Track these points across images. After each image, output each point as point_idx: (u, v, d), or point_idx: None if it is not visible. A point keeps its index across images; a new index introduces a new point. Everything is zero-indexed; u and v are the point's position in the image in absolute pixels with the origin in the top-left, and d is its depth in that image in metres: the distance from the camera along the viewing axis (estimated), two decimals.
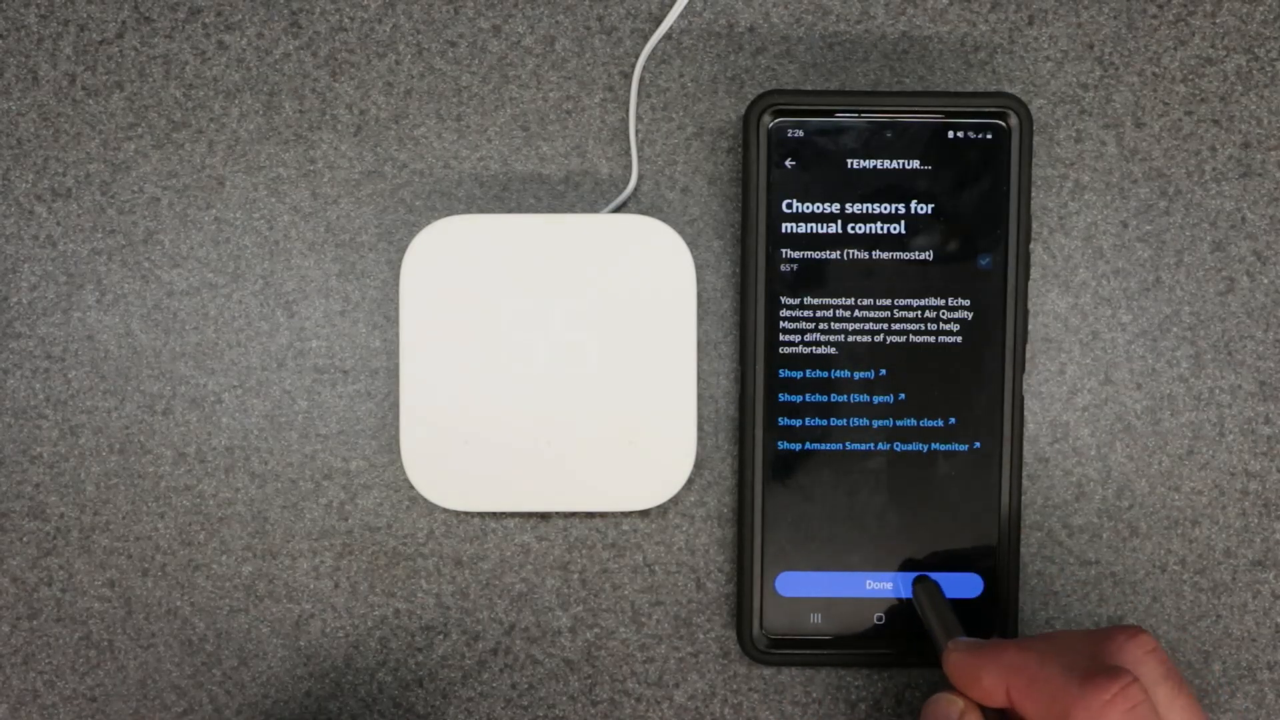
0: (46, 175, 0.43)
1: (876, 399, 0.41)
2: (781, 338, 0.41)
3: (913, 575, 0.41)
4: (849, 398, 0.41)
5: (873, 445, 0.41)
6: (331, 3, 0.43)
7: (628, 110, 0.43)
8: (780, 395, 0.41)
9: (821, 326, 0.41)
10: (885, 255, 0.41)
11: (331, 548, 0.43)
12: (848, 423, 0.41)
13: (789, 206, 0.41)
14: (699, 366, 0.43)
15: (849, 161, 0.41)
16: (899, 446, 0.41)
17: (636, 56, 0.43)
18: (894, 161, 0.41)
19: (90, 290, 0.43)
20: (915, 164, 0.41)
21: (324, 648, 0.43)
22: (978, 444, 0.41)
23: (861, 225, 0.41)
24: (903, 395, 0.41)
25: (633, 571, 0.43)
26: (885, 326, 0.41)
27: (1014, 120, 0.40)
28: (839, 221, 0.41)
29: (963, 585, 0.41)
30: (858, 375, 0.41)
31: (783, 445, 0.41)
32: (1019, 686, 0.35)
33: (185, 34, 0.43)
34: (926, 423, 0.41)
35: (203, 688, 0.43)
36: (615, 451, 0.41)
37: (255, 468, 0.43)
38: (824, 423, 0.41)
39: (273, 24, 0.43)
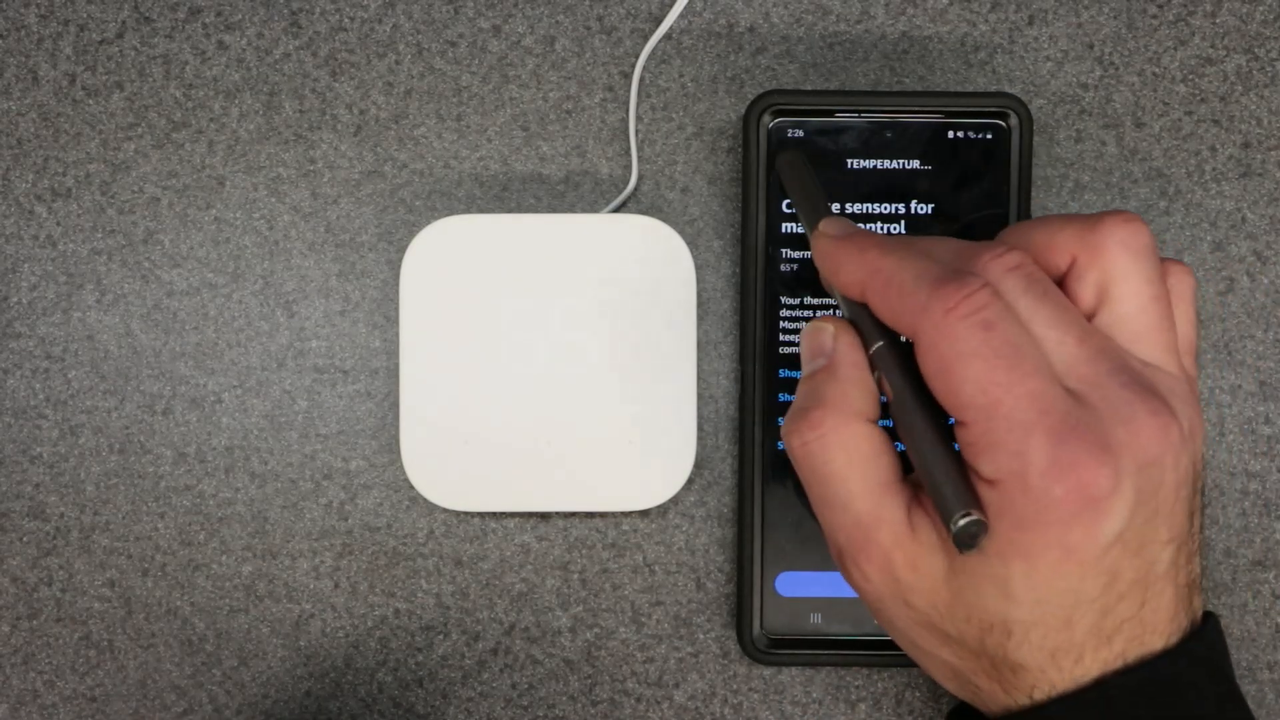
0: (46, 175, 0.43)
1: None
2: (781, 338, 0.41)
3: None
4: None
5: None
6: (331, 3, 0.43)
7: (628, 110, 0.43)
8: (780, 395, 0.41)
9: None
10: None
11: (331, 548, 0.43)
12: None
13: (789, 206, 0.41)
14: (699, 366, 0.43)
15: (849, 161, 0.41)
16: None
17: (636, 56, 0.43)
18: (894, 161, 0.41)
19: (90, 290, 0.43)
20: (915, 164, 0.41)
21: (324, 648, 0.43)
22: None
23: (862, 225, 0.41)
24: None
25: (633, 571, 0.43)
26: None
27: (1014, 120, 0.40)
28: None
29: None
30: None
31: (783, 445, 0.41)
32: (875, 288, 0.32)
33: (185, 34, 0.43)
34: None
35: (203, 688, 0.43)
36: (615, 451, 0.41)
37: (255, 468, 0.43)
38: None
39: (273, 24, 0.43)
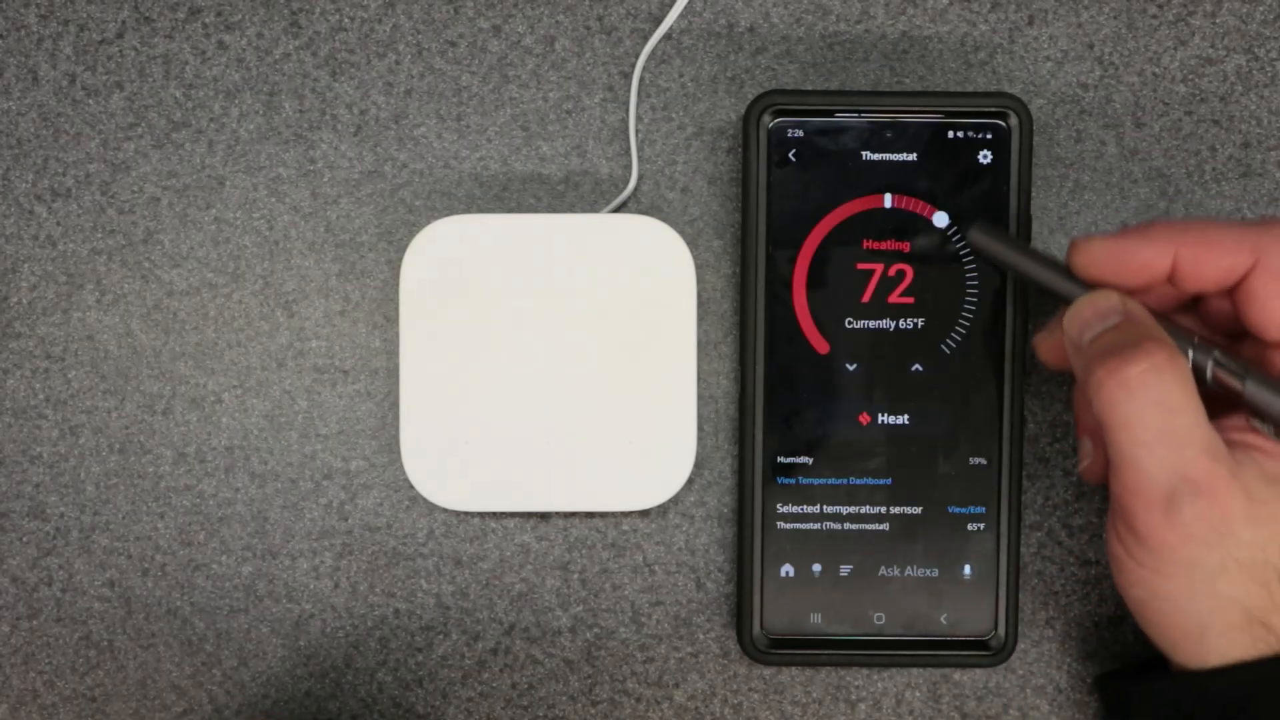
0: (46, 175, 0.43)
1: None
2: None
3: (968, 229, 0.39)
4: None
5: (873, 444, 0.41)
6: (331, 3, 0.43)
7: (628, 110, 0.43)
8: (780, 395, 0.41)
9: None
10: None
11: (331, 548, 0.43)
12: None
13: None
14: (699, 366, 0.43)
15: (849, 161, 0.41)
16: (899, 445, 0.41)
17: (636, 56, 0.43)
18: (894, 161, 0.41)
19: (90, 290, 0.43)
20: (915, 164, 0.41)
21: (324, 648, 0.43)
22: (978, 444, 0.41)
23: (861, 224, 0.41)
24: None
25: (633, 571, 0.43)
26: None
27: (1014, 120, 0.40)
28: None
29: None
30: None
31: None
32: (1191, 242, 0.34)
33: (185, 34, 0.43)
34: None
35: (203, 688, 0.43)
36: (615, 451, 0.41)
37: (255, 468, 0.43)
38: None
39: (273, 24, 0.43)
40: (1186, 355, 0.34)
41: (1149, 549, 0.33)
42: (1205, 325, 0.37)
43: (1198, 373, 0.34)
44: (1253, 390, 0.34)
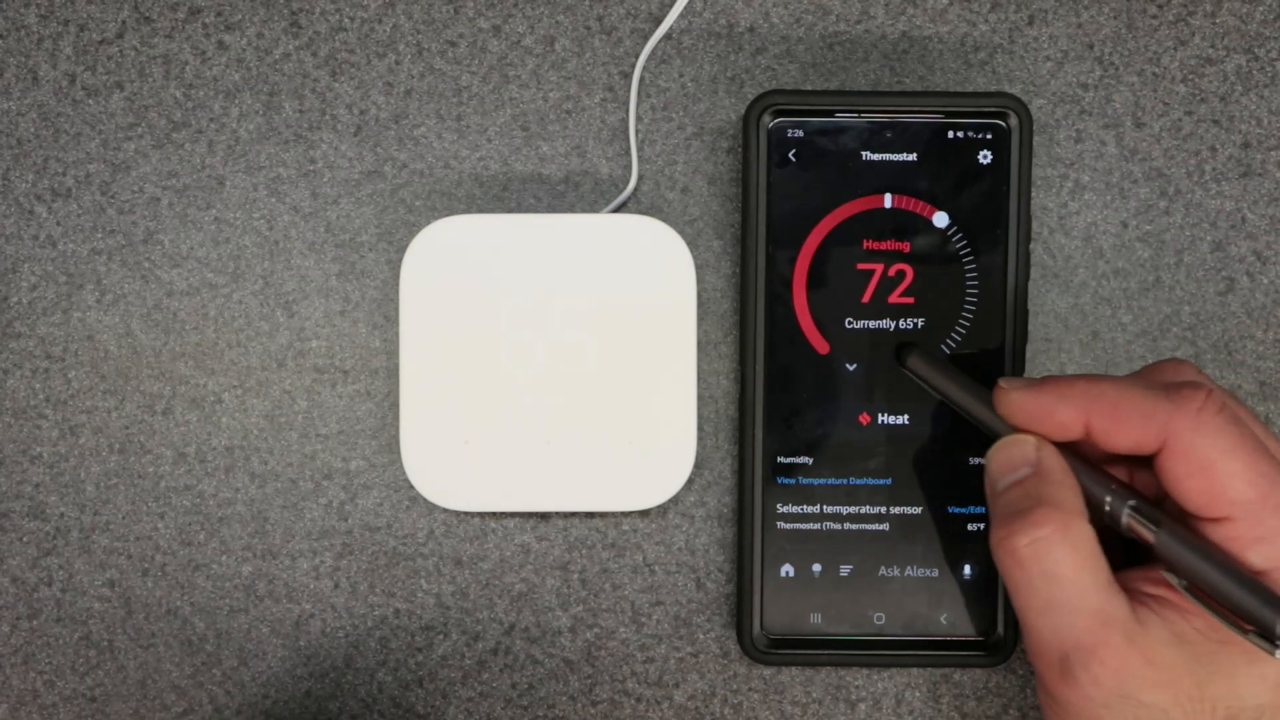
0: (46, 175, 0.43)
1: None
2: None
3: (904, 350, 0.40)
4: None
5: (873, 444, 0.41)
6: (331, 3, 0.43)
7: (628, 110, 0.43)
8: (780, 395, 0.41)
9: None
10: None
11: (331, 548, 0.43)
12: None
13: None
14: (699, 366, 0.43)
15: (849, 161, 0.41)
16: (899, 445, 0.41)
17: (636, 56, 0.43)
18: (894, 161, 0.41)
19: (90, 290, 0.43)
20: (915, 164, 0.41)
21: (324, 648, 0.43)
22: (978, 444, 0.41)
23: (862, 225, 0.41)
24: None
25: (633, 571, 0.43)
26: None
27: (1014, 120, 0.40)
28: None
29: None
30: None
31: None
32: (1102, 413, 0.34)
33: (185, 34, 0.43)
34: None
35: (203, 688, 0.43)
36: (615, 451, 0.41)
37: (255, 468, 0.43)
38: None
39: (273, 24, 0.43)
40: (1103, 502, 0.34)
41: (1059, 705, 0.34)
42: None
43: (1114, 519, 0.34)
44: (1163, 543, 0.34)
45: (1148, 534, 0.34)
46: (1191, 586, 0.33)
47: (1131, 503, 0.34)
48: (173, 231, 0.43)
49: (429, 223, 0.42)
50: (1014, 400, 0.35)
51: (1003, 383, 0.36)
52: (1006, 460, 0.35)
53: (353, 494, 0.43)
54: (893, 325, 0.41)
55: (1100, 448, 0.35)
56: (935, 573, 0.41)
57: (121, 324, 0.43)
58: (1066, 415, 0.34)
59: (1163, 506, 0.35)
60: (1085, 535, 0.33)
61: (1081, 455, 0.35)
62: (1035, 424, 0.35)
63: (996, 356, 0.41)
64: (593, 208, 0.43)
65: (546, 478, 0.41)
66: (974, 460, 0.41)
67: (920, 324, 0.41)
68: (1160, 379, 0.35)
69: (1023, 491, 0.34)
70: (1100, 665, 0.32)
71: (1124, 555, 0.36)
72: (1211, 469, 0.33)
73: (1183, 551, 0.33)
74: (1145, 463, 0.35)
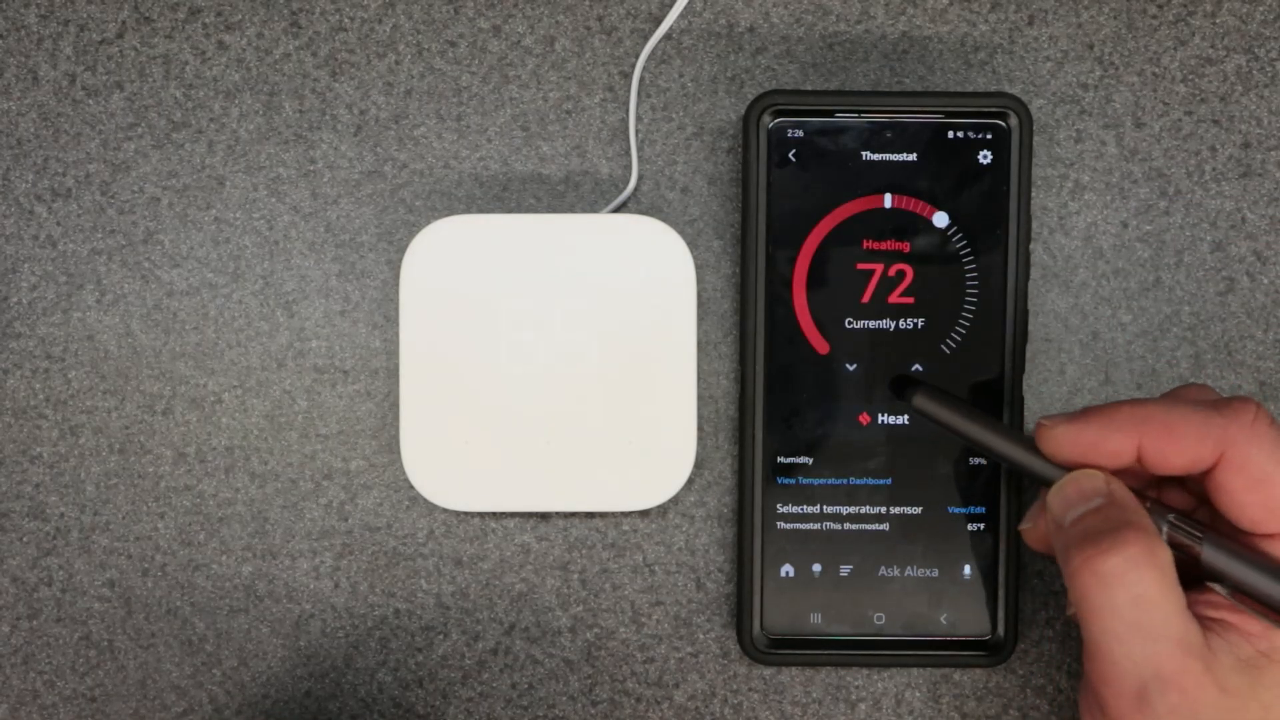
0: (46, 175, 0.43)
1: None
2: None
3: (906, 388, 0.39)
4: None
5: (873, 444, 0.41)
6: (331, 3, 0.43)
7: (628, 110, 0.43)
8: (780, 395, 0.41)
9: None
10: None
11: (331, 548, 0.43)
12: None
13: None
14: (699, 366, 0.43)
15: (849, 162, 0.41)
16: (899, 445, 0.41)
17: (636, 56, 0.43)
18: (894, 161, 0.41)
19: (90, 290, 0.43)
20: (915, 164, 0.41)
21: (324, 648, 0.43)
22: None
23: (862, 225, 0.41)
24: None
25: (633, 571, 0.43)
26: None
27: (1014, 120, 0.40)
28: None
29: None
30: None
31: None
32: (1155, 435, 0.33)
33: (185, 34, 0.43)
34: None
35: (203, 688, 0.43)
36: (615, 451, 0.41)
37: (255, 468, 0.43)
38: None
39: (273, 24, 0.43)
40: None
41: None
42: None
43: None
44: (1210, 551, 0.34)
45: (1192, 544, 0.34)
46: (1238, 594, 0.33)
47: (1171, 515, 0.34)
48: (173, 231, 0.43)
49: (429, 223, 0.42)
50: (1061, 436, 0.35)
51: (1044, 421, 0.35)
52: (1078, 492, 0.35)
53: (353, 494, 0.43)
54: (893, 325, 0.41)
55: (1149, 471, 0.34)
56: (935, 573, 0.41)
57: (121, 324, 0.43)
58: (1118, 443, 0.34)
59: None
60: (1168, 559, 0.33)
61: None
62: (1084, 457, 0.35)
63: (997, 356, 0.41)
64: (593, 208, 0.43)
65: (546, 478, 0.41)
66: (974, 460, 0.41)
67: (920, 324, 0.41)
68: (1189, 398, 0.35)
69: (1102, 518, 0.33)
70: (1179, 694, 0.32)
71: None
72: (1270, 481, 0.33)
73: (1230, 558, 0.33)
74: (1175, 487, 0.35)
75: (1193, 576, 0.34)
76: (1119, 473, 0.35)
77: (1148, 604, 0.32)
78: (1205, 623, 0.34)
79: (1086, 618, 0.33)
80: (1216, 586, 0.34)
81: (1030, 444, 0.36)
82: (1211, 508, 0.35)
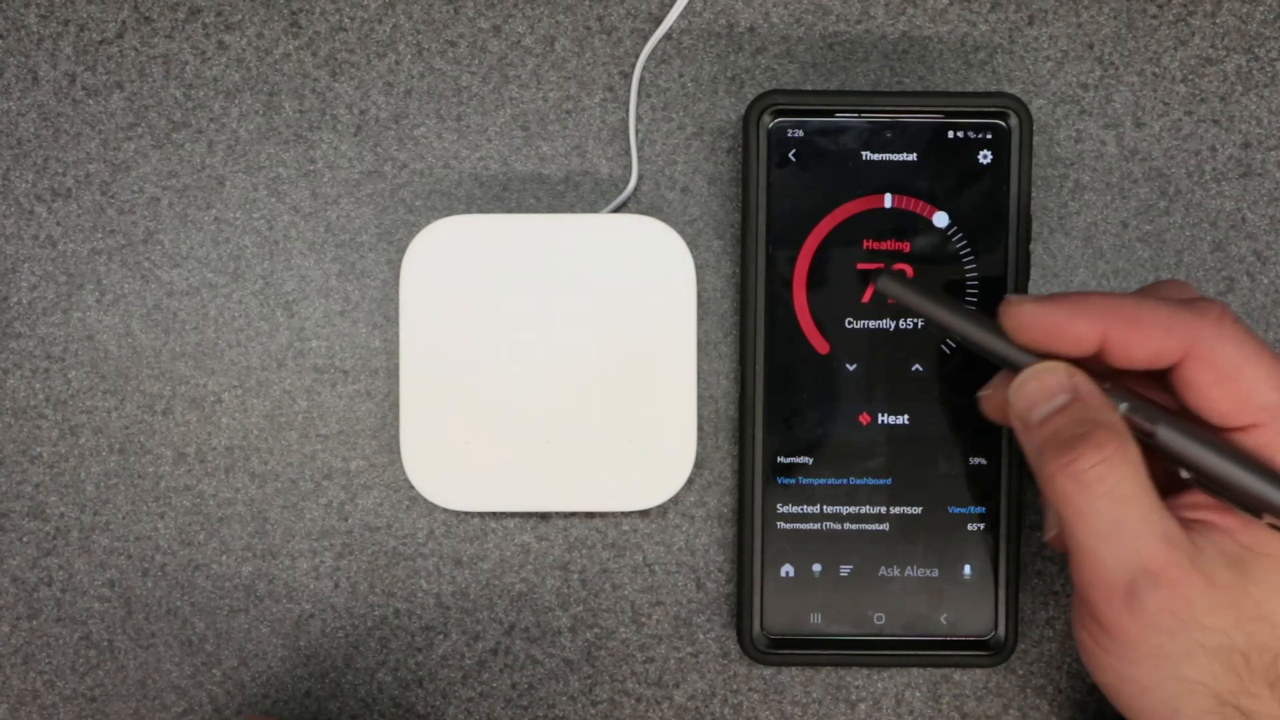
0: (46, 175, 0.43)
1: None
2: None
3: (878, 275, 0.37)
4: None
5: (873, 444, 0.41)
6: (331, 3, 0.43)
7: (628, 110, 0.43)
8: (780, 395, 0.41)
9: None
10: None
11: (331, 548, 0.43)
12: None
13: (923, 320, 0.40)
14: (699, 366, 0.43)
15: (849, 161, 0.41)
16: (899, 445, 0.41)
17: (636, 56, 0.43)
18: (894, 161, 0.41)
19: (90, 290, 0.43)
20: (915, 164, 0.41)
21: (324, 648, 0.43)
22: (978, 444, 0.41)
23: (862, 225, 0.41)
24: None
25: (633, 571, 0.43)
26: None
27: (1014, 120, 0.40)
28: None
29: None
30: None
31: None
32: (1121, 325, 0.33)
33: (185, 34, 0.43)
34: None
35: (203, 688, 0.43)
36: (615, 451, 0.41)
37: (255, 468, 0.43)
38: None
39: (273, 24, 0.43)
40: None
41: (1113, 638, 0.33)
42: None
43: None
44: (1166, 434, 0.33)
45: (1149, 425, 0.33)
46: (1201, 477, 0.33)
47: (1125, 404, 0.34)
48: (173, 231, 0.43)
49: (429, 223, 0.42)
50: (1025, 314, 0.34)
51: (1011, 298, 0.35)
52: (1041, 389, 0.34)
53: (353, 494, 0.43)
54: (893, 325, 0.41)
55: (1112, 363, 0.34)
56: (935, 573, 0.41)
57: (121, 324, 0.43)
58: (1082, 328, 0.33)
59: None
60: (1140, 457, 0.33)
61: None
62: (1047, 340, 0.34)
63: None
64: (593, 208, 0.43)
65: (546, 478, 0.41)
66: (974, 460, 0.41)
67: (920, 324, 0.41)
68: (1161, 294, 0.35)
69: (1069, 417, 0.33)
70: (1169, 589, 0.32)
71: None
72: (1237, 375, 0.32)
73: (1187, 437, 0.33)
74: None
75: (1170, 482, 0.34)
76: (1080, 365, 0.34)
77: (1128, 499, 0.32)
78: (1186, 524, 0.33)
79: (1069, 522, 0.33)
80: (1182, 472, 0.33)
81: (993, 325, 0.35)
82: (1177, 404, 0.35)
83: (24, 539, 0.43)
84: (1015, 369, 0.35)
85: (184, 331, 0.43)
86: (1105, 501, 0.32)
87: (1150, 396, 0.35)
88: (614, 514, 0.43)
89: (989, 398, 0.37)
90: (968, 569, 0.41)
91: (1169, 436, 0.33)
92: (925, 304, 0.36)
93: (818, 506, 0.41)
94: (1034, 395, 0.34)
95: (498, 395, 0.41)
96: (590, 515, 0.43)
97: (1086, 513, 0.32)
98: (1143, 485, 0.32)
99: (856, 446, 0.41)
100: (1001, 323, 0.35)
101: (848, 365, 0.41)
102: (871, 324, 0.41)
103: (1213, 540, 0.33)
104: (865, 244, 0.41)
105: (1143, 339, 0.33)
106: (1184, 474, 0.33)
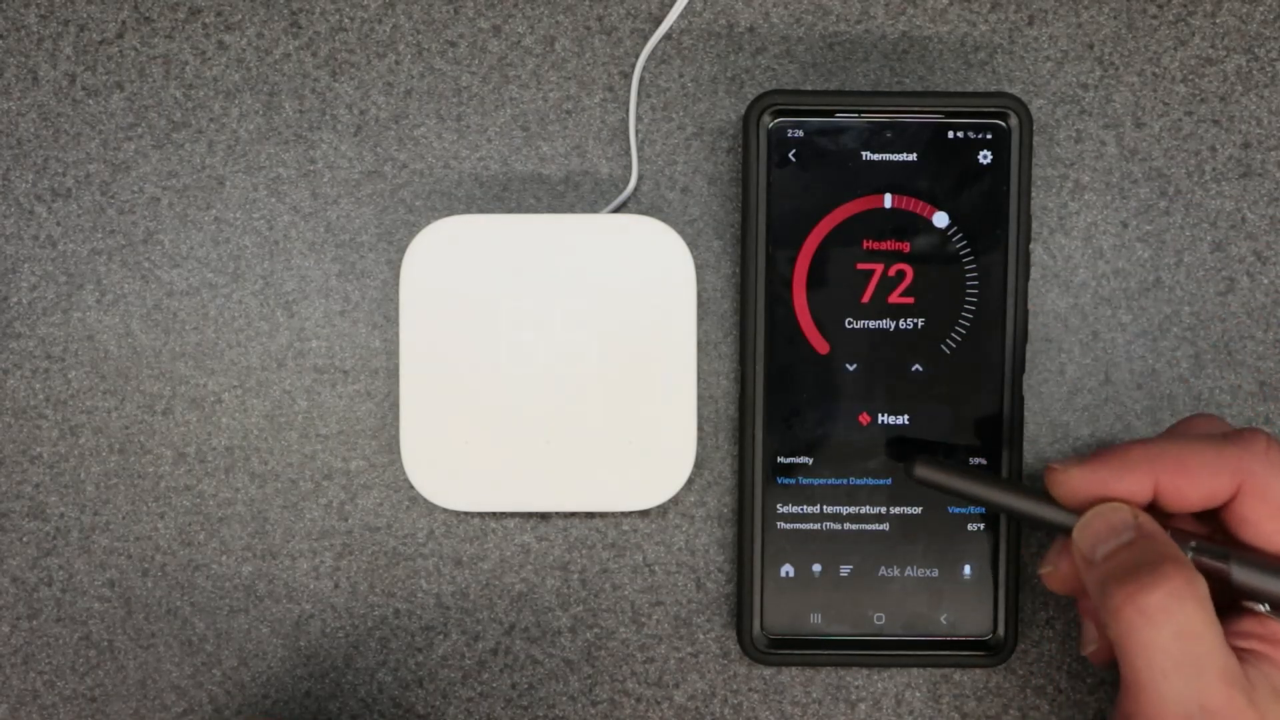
0: (46, 175, 0.43)
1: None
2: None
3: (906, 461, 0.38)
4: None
5: (873, 444, 0.41)
6: (331, 3, 0.43)
7: (628, 110, 0.43)
8: (779, 395, 0.41)
9: None
10: None
11: (331, 548, 0.43)
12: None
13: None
14: (699, 366, 0.43)
15: (849, 162, 0.41)
16: (899, 445, 0.41)
17: (636, 56, 0.43)
18: (894, 161, 0.41)
19: (90, 290, 0.43)
20: (915, 164, 0.41)
21: (324, 648, 0.43)
22: (978, 444, 0.41)
23: (862, 225, 0.41)
24: None
25: (633, 571, 0.43)
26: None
27: (1014, 120, 0.40)
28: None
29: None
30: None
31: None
32: (1170, 472, 0.33)
33: (185, 34, 0.43)
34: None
35: (203, 688, 0.43)
36: (615, 451, 0.41)
37: (255, 468, 0.43)
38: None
39: (273, 24, 0.43)
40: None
41: None
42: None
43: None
44: (1240, 569, 0.34)
45: (1221, 565, 0.34)
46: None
47: (1193, 542, 0.34)
48: (173, 231, 0.43)
49: (429, 223, 0.42)
50: (1073, 480, 0.35)
51: (1055, 465, 0.35)
52: (1106, 527, 0.34)
53: (353, 494, 0.43)
54: (893, 325, 0.41)
55: (1166, 509, 0.34)
56: (935, 573, 0.41)
57: (121, 324, 0.43)
58: (1132, 483, 0.34)
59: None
60: (1206, 591, 0.32)
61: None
62: (1099, 499, 0.34)
63: (997, 356, 0.41)
64: (593, 208, 0.43)
65: (546, 478, 0.41)
66: (974, 460, 0.41)
67: (920, 324, 0.41)
68: (1198, 431, 0.35)
69: (1135, 553, 0.33)
70: None
71: None
72: None
73: (1263, 572, 0.33)
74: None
75: (1219, 605, 0.34)
76: None
77: (1193, 637, 0.32)
78: (1239, 654, 0.33)
79: (1130, 653, 0.32)
80: (1258, 606, 0.34)
81: (1039, 493, 0.36)
82: (1230, 538, 0.35)
83: (24, 539, 0.43)
84: (1069, 535, 0.35)
85: (184, 331, 0.43)
86: (1172, 637, 0.32)
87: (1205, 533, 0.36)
88: (614, 514, 0.43)
89: (1051, 574, 0.37)
90: (968, 569, 0.41)
91: (1244, 574, 0.34)
92: (969, 485, 0.37)
93: (818, 506, 0.41)
94: (1099, 532, 0.34)
95: (498, 395, 0.41)
96: (590, 515, 0.43)
97: (1151, 647, 0.32)
98: (1209, 620, 0.32)
99: (856, 446, 0.41)
100: (1051, 491, 0.35)
101: (848, 365, 0.41)
102: (871, 324, 0.41)
103: (1264, 673, 0.33)
104: (865, 244, 0.41)
105: (1194, 483, 0.33)
106: (1259, 608, 0.34)
